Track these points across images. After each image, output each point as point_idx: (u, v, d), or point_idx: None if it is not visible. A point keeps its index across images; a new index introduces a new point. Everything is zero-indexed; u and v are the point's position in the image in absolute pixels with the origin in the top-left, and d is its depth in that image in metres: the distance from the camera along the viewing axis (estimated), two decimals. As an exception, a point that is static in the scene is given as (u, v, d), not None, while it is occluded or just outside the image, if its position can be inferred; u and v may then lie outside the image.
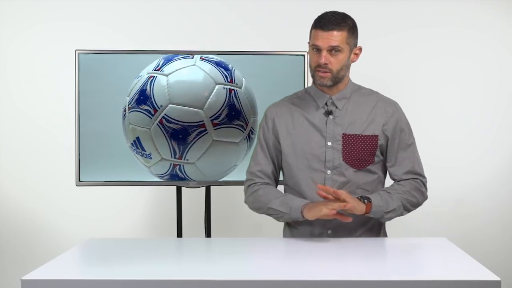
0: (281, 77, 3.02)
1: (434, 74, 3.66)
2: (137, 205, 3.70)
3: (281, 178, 2.54)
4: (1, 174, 3.67)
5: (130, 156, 3.01)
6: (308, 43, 2.39)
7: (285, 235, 2.50)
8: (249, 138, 3.02)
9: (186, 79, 2.93)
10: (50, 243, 3.63)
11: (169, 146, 2.92)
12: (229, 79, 2.95)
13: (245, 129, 2.97)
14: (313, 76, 2.37)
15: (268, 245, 2.20)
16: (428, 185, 2.48)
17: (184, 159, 2.93)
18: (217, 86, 2.92)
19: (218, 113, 2.92)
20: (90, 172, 3.01)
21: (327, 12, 2.33)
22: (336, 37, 2.29)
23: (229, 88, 2.94)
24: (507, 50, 3.66)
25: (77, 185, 3.03)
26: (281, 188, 2.54)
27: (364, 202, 2.25)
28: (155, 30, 3.62)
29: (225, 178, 3.06)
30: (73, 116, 3.05)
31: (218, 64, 2.98)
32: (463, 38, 3.65)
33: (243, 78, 3.00)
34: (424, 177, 2.45)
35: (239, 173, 3.03)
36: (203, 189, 3.11)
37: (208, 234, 3.06)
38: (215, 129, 2.92)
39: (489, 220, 3.69)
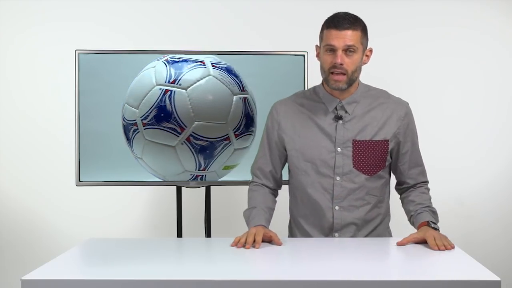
0: (281, 77, 3.02)
1: (435, 74, 3.66)
2: (137, 205, 3.70)
3: (286, 177, 2.54)
4: (1, 174, 3.67)
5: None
6: (317, 46, 2.35)
7: (291, 233, 2.52)
8: (189, 143, 2.92)
9: (139, 80, 2.96)
10: (50, 243, 3.63)
11: (125, 141, 3.00)
12: (171, 80, 2.91)
13: (180, 133, 2.90)
14: (326, 80, 2.31)
15: (268, 245, 2.20)
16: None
17: (134, 153, 2.98)
18: (156, 87, 2.91)
19: (147, 113, 2.91)
20: (90, 172, 3.01)
21: (338, 12, 2.29)
22: (351, 36, 2.24)
23: (165, 89, 2.90)
24: (508, 51, 3.66)
25: (77, 185, 3.03)
26: (285, 188, 2.54)
27: (436, 228, 2.26)
28: (155, 30, 3.62)
29: (225, 178, 3.05)
30: (73, 116, 3.05)
31: (176, 64, 2.95)
32: (463, 38, 3.65)
33: (213, 79, 2.92)
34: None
35: (239, 173, 3.03)
36: (203, 189, 3.11)
37: (208, 234, 3.06)
38: (145, 129, 2.91)
39: (490, 221, 3.69)
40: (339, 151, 2.34)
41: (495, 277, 1.76)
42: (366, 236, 2.39)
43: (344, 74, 2.26)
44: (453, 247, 2.12)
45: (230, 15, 3.64)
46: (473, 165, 3.68)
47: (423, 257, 2.06)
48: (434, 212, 2.35)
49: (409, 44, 3.65)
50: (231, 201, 3.49)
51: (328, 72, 2.28)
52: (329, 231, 2.37)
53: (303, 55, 2.99)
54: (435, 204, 3.64)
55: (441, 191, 3.60)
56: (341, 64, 2.24)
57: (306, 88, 2.93)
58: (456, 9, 3.64)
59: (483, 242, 3.64)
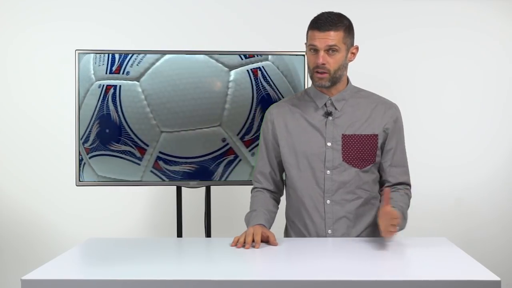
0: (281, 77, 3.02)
1: (434, 74, 3.67)
2: (137, 205, 3.70)
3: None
4: (1, 174, 3.67)
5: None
6: (305, 44, 2.40)
7: (286, 235, 2.53)
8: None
9: None
10: (50, 243, 3.63)
11: None
12: None
13: None
14: (311, 77, 2.38)
15: (267, 245, 2.20)
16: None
17: None
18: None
19: None
20: (90, 172, 3.00)
21: (323, 12, 2.34)
22: (333, 37, 2.29)
23: (107, 84, 2.94)
24: (507, 50, 3.66)
25: (77, 185, 3.02)
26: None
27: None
28: (155, 30, 3.62)
29: (225, 178, 3.04)
30: (73, 116, 3.05)
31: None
32: (463, 38, 3.65)
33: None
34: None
35: (239, 173, 3.02)
36: (203, 189, 3.11)
37: (208, 234, 3.06)
38: None
39: (489, 220, 3.70)
40: (329, 145, 2.38)
41: (495, 277, 1.76)
42: (360, 234, 2.40)
43: (327, 72, 2.32)
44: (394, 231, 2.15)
45: (230, 15, 3.65)
46: (472, 163, 3.68)
47: (422, 257, 2.07)
48: (404, 217, 2.32)
49: (409, 44, 3.65)
50: (231, 201, 3.49)
51: (313, 71, 2.35)
52: (321, 227, 2.38)
53: (303, 55, 2.98)
54: (434, 202, 3.65)
55: (440, 189, 3.63)
56: (323, 64, 2.30)
57: (305, 88, 2.94)
58: (456, 9, 3.65)
59: (483, 240, 3.65)
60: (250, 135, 2.93)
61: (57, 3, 3.62)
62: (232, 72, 2.91)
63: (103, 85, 2.90)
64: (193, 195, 3.36)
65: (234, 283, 1.76)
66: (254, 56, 2.94)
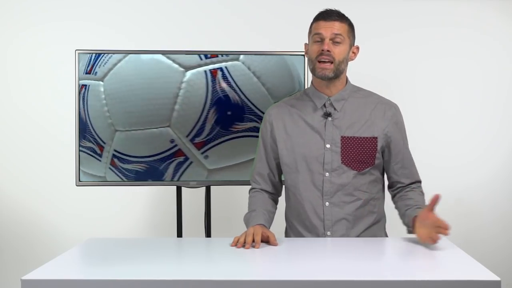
0: (281, 77, 3.01)
1: (434, 74, 3.67)
2: (137, 205, 3.70)
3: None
4: (1, 174, 3.67)
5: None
6: (306, 44, 2.39)
7: (286, 236, 2.53)
8: None
9: None
10: (50, 243, 3.63)
11: None
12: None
13: None
14: (313, 70, 2.34)
15: (267, 245, 2.20)
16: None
17: None
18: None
19: None
20: (90, 172, 3.01)
21: (326, 9, 2.36)
22: (338, 27, 2.31)
23: (81, 84, 2.98)
24: (507, 50, 3.67)
25: (77, 185, 3.03)
26: (282, 194, 2.54)
27: None
28: (155, 30, 3.62)
29: (225, 178, 3.05)
30: (73, 116, 3.05)
31: None
32: (463, 38, 3.65)
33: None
34: None
35: (239, 173, 3.02)
36: (203, 189, 3.11)
37: (208, 234, 3.06)
38: None
39: (489, 220, 3.70)
40: (328, 147, 2.36)
41: (495, 277, 1.76)
42: (360, 235, 2.39)
43: (331, 62, 2.30)
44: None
45: (230, 15, 3.65)
46: (472, 163, 3.68)
47: (422, 257, 2.07)
48: None
49: (409, 44, 3.65)
50: (231, 201, 3.49)
51: (316, 60, 2.32)
52: (320, 229, 2.38)
53: (303, 55, 2.99)
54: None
55: (440, 189, 3.58)
56: (328, 51, 2.29)
57: (304, 88, 2.94)
58: (456, 9, 3.65)
59: (483, 240, 3.65)
60: (202, 137, 2.93)
61: (57, 3, 3.62)
62: (188, 73, 2.91)
63: (80, 85, 2.96)
64: (193, 195, 3.36)
65: (234, 283, 1.76)
66: (217, 56, 2.93)
